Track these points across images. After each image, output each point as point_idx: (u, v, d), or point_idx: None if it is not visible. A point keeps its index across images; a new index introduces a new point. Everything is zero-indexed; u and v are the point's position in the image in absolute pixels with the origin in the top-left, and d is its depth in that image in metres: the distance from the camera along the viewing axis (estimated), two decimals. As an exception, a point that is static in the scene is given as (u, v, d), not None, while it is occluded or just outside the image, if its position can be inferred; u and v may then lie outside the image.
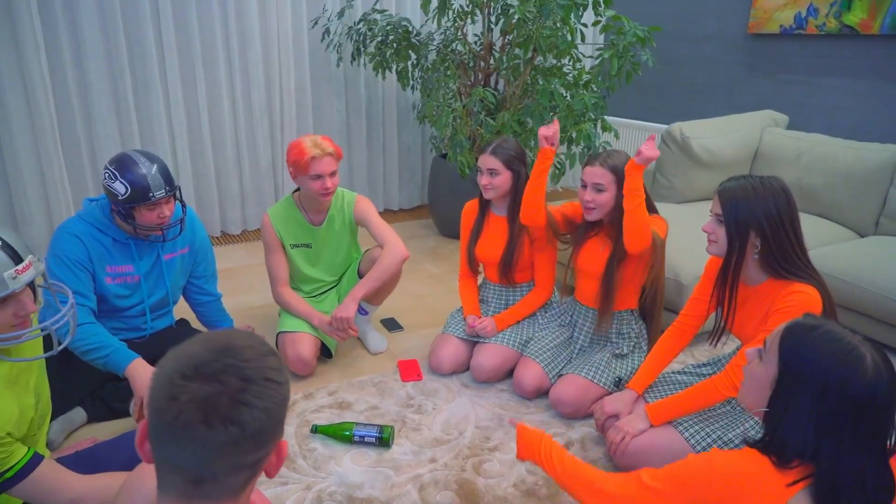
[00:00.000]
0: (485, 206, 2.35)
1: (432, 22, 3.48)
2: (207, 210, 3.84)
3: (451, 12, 3.45)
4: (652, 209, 2.02)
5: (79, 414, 2.00)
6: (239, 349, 0.76)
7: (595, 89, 3.43)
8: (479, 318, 2.34)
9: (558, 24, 3.17)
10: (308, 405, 2.12)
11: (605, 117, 3.43)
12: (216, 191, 3.83)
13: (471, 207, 2.40)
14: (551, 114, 3.20)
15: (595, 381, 2.03)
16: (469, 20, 3.50)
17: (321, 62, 3.91)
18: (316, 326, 2.30)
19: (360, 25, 3.63)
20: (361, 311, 2.55)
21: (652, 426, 1.72)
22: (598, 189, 1.96)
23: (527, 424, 1.50)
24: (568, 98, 3.31)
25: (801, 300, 1.50)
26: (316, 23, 3.72)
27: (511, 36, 3.47)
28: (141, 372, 1.84)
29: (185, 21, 3.45)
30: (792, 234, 1.54)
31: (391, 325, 2.74)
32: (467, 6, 3.46)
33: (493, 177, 2.22)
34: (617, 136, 3.36)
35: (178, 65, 3.51)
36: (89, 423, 2.02)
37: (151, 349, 2.15)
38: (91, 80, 3.31)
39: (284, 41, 3.74)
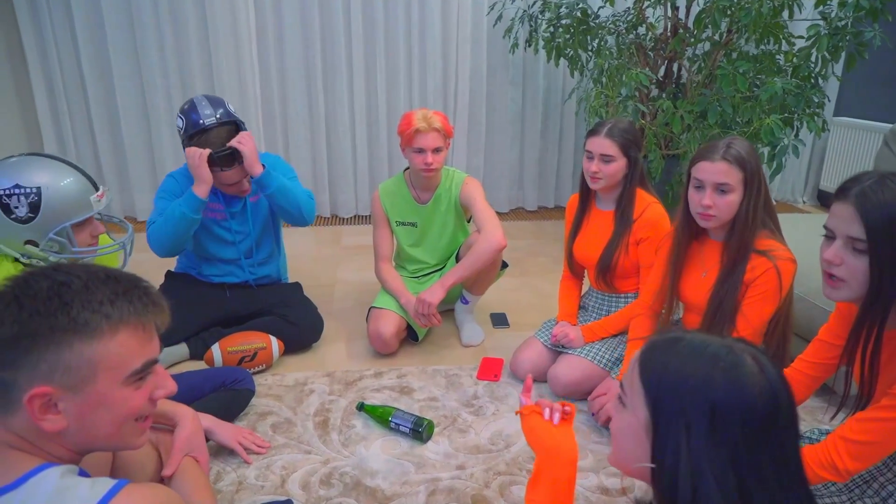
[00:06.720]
0: (586, 197, 2.05)
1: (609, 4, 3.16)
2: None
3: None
4: (777, 231, 1.56)
5: (182, 349, 2.21)
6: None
7: (812, 77, 2.77)
8: (568, 324, 2.05)
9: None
10: (371, 383, 2.06)
11: (816, 112, 2.75)
12: (387, 172, 4.00)
13: (573, 201, 2.11)
14: (744, 102, 2.64)
15: None
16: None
17: (499, 49, 3.83)
18: (402, 306, 2.24)
19: (534, 8, 3.46)
20: (463, 299, 2.42)
21: None
22: (606, 160, 1.89)
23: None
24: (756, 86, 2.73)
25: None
26: (492, 8, 3.64)
27: (703, 15, 2.97)
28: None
29: (371, 9, 3.65)
30: None
31: (498, 320, 2.55)
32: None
33: (606, 164, 1.91)
34: (819, 134, 2.68)
35: (363, 51, 3.72)
36: (190, 360, 2.22)
37: (254, 300, 2.32)
38: (288, 65, 3.69)
39: (463, 28, 3.73)
